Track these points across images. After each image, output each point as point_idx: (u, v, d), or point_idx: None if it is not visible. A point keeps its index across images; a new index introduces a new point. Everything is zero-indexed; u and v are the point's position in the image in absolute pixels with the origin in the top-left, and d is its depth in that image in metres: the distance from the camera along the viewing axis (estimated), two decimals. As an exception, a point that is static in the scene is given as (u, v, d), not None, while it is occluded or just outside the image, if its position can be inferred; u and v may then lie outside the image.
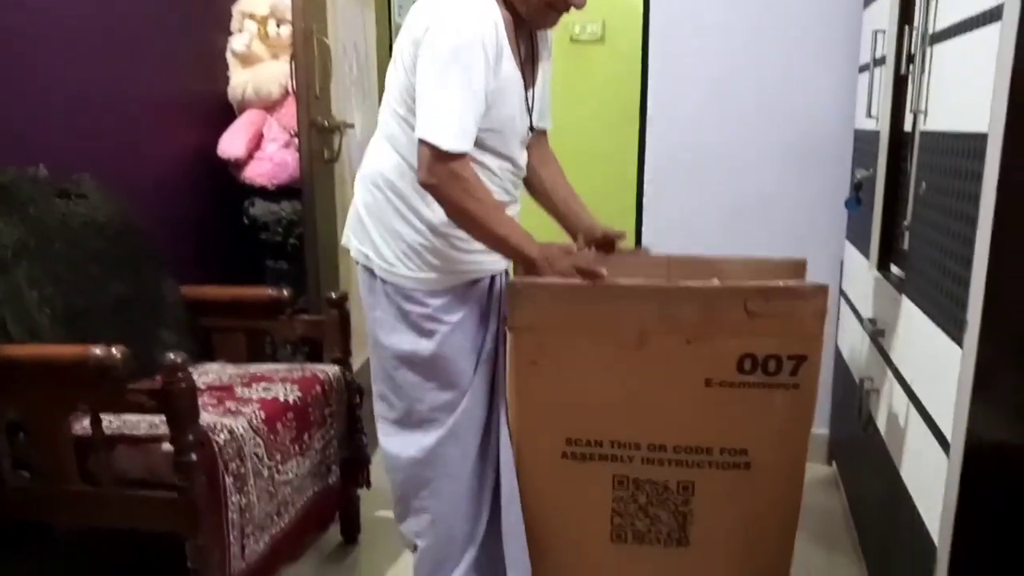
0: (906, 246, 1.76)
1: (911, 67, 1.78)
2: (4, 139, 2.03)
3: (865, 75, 2.28)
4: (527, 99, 1.78)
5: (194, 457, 1.63)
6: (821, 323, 1.67)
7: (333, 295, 2.30)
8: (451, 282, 1.78)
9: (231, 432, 1.76)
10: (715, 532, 1.85)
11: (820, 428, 2.75)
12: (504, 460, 1.85)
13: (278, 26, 2.84)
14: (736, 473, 1.78)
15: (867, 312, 2.15)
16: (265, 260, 2.99)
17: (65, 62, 2.24)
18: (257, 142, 2.87)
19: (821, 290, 1.65)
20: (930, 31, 1.63)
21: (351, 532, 2.37)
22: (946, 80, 1.52)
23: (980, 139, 1.20)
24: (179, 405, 1.62)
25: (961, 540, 1.29)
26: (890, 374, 1.80)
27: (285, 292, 2.32)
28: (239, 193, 2.92)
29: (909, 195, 1.74)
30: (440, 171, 1.60)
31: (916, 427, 1.54)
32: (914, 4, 1.75)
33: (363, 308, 1.86)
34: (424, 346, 1.78)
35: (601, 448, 1.82)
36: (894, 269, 1.93)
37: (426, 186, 1.63)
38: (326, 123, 2.76)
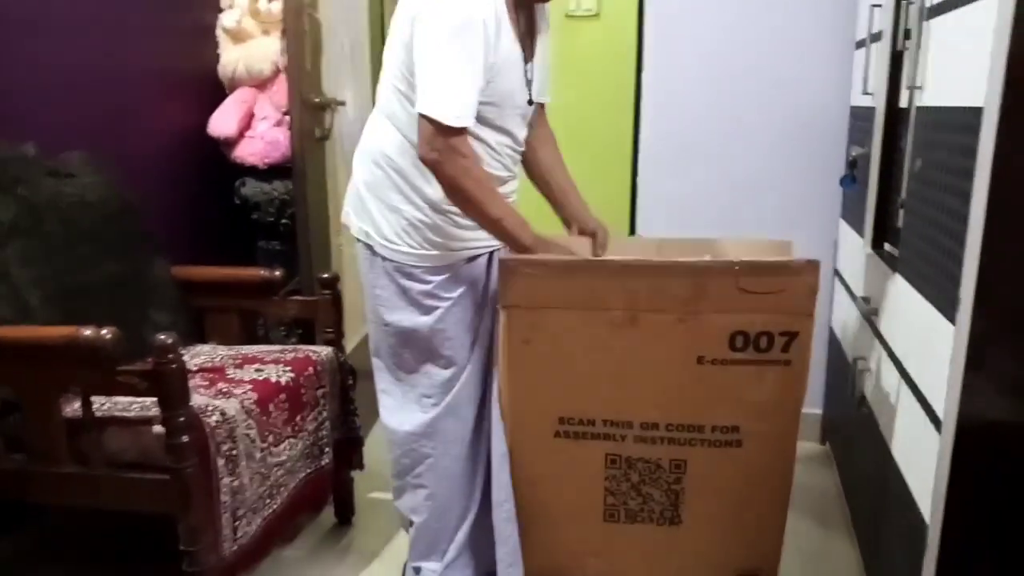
0: (900, 224, 1.75)
1: (907, 42, 1.76)
2: (-9, 118, 2.01)
3: (861, 51, 2.26)
4: (526, 72, 1.77)
5: (185, 439, 1.62)
6: (813, 299, 1.66)
7: (325, 275, 2.29)
8: (451, 259, 1.78)
9: (223, 414, 1.75)
10: (707, 510, 1.85)
11: (813, 407, 2.75)
12: (495, 439, 1.86)
13: (269, 2, 2.80)
14: (728, 450, 1.78)
15: (860, 291, 2.15)
16: (257, 240, 2.97)
17: (53, 39, 2.21)
18: (248, 121, 2.84)
19: (812, 266, 1.64)
20: (927, 5, 1.61)
21: (345, 514, 2.37)
22: (942, 55, 1.50)
23: (975, 113, 1.19)
24: (170, 387, 1.61)
25: (952, 518, 1.29)
26: (883, 352, 1.80)
27: (277, 273, 2.31)
28: (230, 172, 2.89)
29: (904, 172, 1.73)
30: (440, 146, 1.59)
31: (908, 405, 1.54)
32: (910, -22, 1.73)
33: (363, 285, 1.86)
34: (424, 322, 1.78)
35: (593, 427, 1.82)
36: (888, 247, 1.92)
37: (426, 161, 1.63)
38: (317, 100, 2.74)
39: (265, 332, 2.74)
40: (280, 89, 2.79)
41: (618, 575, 1.94)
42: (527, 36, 1.77)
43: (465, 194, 1.64)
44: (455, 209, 1.74)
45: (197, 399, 1.75)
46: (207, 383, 1.91)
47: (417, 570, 1.94)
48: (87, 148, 2.18)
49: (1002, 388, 1.25)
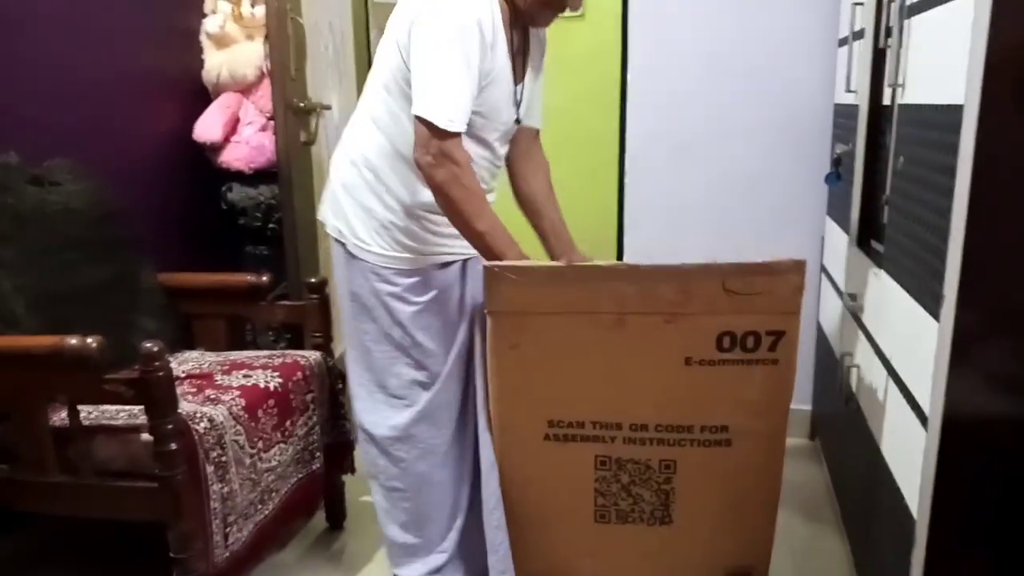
0: (885, 220, 1.76)
1: (889, 40, 1.77)
2: (-28, 127, 1.99)
3: (844, 49, 2.27)
4: (515, 92, 1.78)
5: (174, 446, 1.62)
6: (799, 299, 1.67)
7: (313, 280, 2.28)
8: (422, 263, 1.78)
9: (211, 420, 1.74)
10: (698, 509, 1.86)
11: (802, 403, 2.77)
12: (483, 448, 1.86)
13: (252, 6, 2.79)
14: (717, 450, 1.79)
15: (847, 287, 2.16)
16: (244, 246, 2.96)
17: (36, 45, 2.20)
18: (233, 126, 2.84)
19: (799, 266, 1.65)
20: (907, 3, 1.62)
21: (337, 518, 2.36)
22: (923, 52, 1.51)
23: (956, 111, 1.20)
24: (157, 394, 1.60)
25: (939, 512, 1.30)
26: (870, 349, 1.81)
27: (264, 278, 2.30)
28: (216, 178, 2.88)
29: (888, 169, 1.74)
30: (434, 150, 1.60)
31: (895, 400, 1.55)
32: (891, -24, 1.74)
33: (337, 282, 1.87)
34: (394, 324, 1.79)
35: (583, 429, 1.82)
36: (873, 244, 1.93)
37: (419, 165, 1.63)
38: (302, 105, 2.73)
39: (253, 337, 2.73)
40: (265, 94, 2.79)
41: (611, 573, 1.95)
42: (519, 56, 1.77)
43: (452, 202, 1.64)
44: (428, 214, 1.75)
45: (185, 406, 1.74)
46: (195, 390, 1.90)
47: None
48: (71, 155, 2.17)
49: (987, 383, 1.26)
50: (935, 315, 1.27)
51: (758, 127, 2.68)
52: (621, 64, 2.80)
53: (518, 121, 1.83)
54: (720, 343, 1.70)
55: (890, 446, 1.60)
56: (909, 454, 1.41)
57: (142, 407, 1.62)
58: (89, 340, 1.62)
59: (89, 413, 1.76)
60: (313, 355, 2.20)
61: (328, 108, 2.92)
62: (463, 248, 1.82)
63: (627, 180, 2.82)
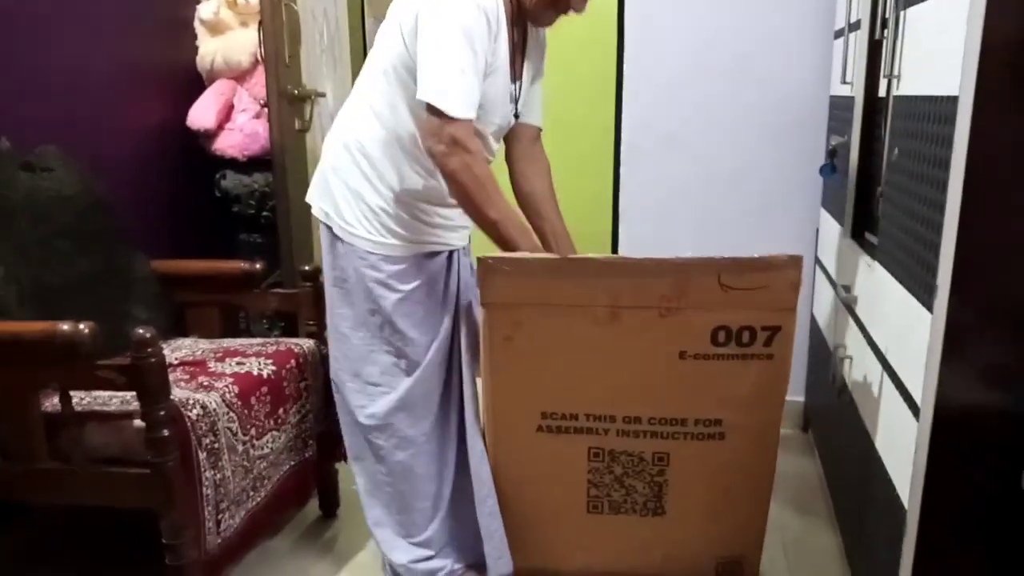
0: (879, 212, 1.76)
1: (885, 32, 1.76)
2: (-37, 111, 1.98)
3: (840, 41, 2.27)
4: (512, 89, 1.78)
5: (166, 433, 1.61)
6: (795, 294, 1.67)
7: (307, 268, 2.28)
8: (408, 251, 1.78)
9: (204, 407, 1.74)
10: (690, 501, 1.86)
11: (796, 396, 2.77)
12: (472, 437, 1.86)
13: (246, -7, 2.78)
14: (711, 443, 1.80)
15: (841, 279, 2.16)
16: (238, 233, 2.95)
17: (26, 30, 2.19)
18: (227, 113, 2.83)
19: (795, 261, 1.65)
20: (904, -5, 1.62)
21: (329, 506, 2.37)
22: (919, 44, 1.51)
23: (951, 102, 1.20)
24: (149, 381, 1.60)
25: (931, 503, 1.31)
26: (863, 340, 1.81)
27: (258, 265, 2.30)
28: (210, 165, 2.87)
29: (883, 161, 1.74)
30: (446, 138, 1.60)
31: (888, 392, 1.55)
32: (888, -32, 1.74)
33: (322, 265, 1.87)
34: (376, 310, 1.79)
35: (576, 421, 1.82)
36: (868, 236, 1.93)
37: (431, 153, 1.63)
38: (296, 92, 2.72)
39: (247, 325, 2.73)
40: (259, 81, 2.78)
41: (602, 566, 1.95)
42: (517, 54, 1.77)
43: (465, 190, 1.64)
44: (418, 202, 1.75)
45: (178, 393, 1.74)
46: (188, 377, 1.90)
47: (389, 561, 1.94)
48: (63, 142, 2.15)
49: (979, 375, 1.26)
50: (928, 307, 1.28)
51: (754, 119, 2.68)
52: (617, 56, 2.79)
53: (517, 116, 1.83)
54: (715, 338, 1.70)
55: (882, 437, 1.60)
56: (901, 445, 1.42)
57: (134, 393, 1.62)
58: (81, 326, 1.61)
59: (81, 399, 1.75)
60: (307, 343, 2.20)
61: (322, 95, 2.91)
62: (452, 238, 1.83)
63: (622, 171, 2.82)
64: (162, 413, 1.61)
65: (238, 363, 2.00)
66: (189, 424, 1.68)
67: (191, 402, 1.72)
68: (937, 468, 1.29)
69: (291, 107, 2.71)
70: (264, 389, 1.95)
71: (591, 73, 3.25)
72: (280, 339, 2.27)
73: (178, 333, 2.29)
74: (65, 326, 1.61)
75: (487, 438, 1.86)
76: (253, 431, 1.89)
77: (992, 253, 1.21)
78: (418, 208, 1.76)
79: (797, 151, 2.66)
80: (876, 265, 1.72)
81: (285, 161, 2.68)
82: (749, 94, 2.66)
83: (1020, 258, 1.21)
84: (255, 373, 1.97)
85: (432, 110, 1.59)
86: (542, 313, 1.74)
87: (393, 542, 1.91)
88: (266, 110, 2.73)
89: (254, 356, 2.05)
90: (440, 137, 1.60)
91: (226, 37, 2.82)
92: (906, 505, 1.36)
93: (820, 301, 2.59)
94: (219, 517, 1.76)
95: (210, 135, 2.81)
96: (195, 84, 2.86)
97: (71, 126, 2.32)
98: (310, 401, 2.15)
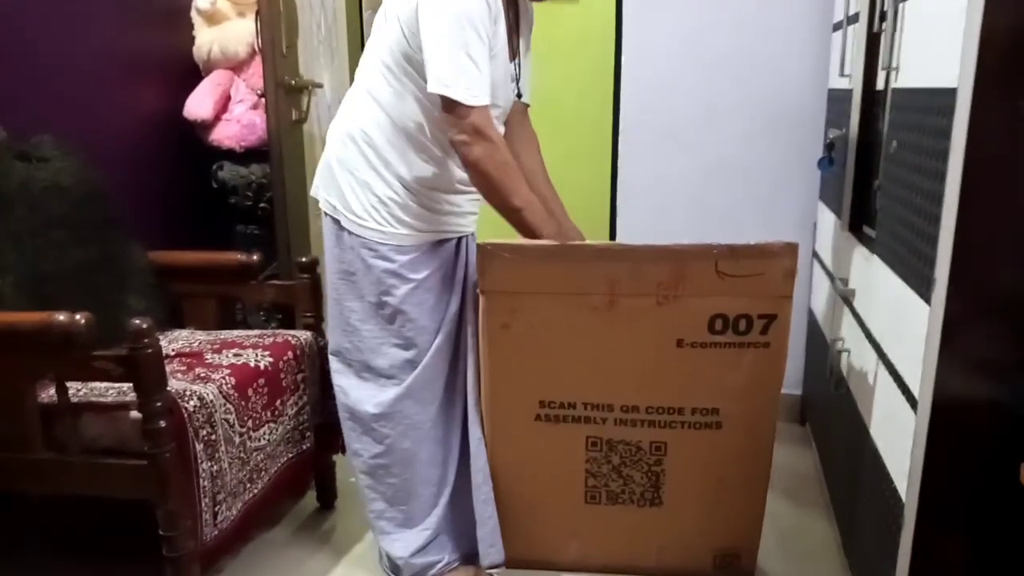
0: (877, 206, 1.76)
1: (884, 24, 1.76)
2: (-42, 101, 1.97)
3: (838, 33, 2.26)
4: (512, 68, 1.78)
5: (163, 424, 1.61)
6: (791, 282, 1.67)
7: (304, 260, 2.27)
8: (418, 239, 1.78)
9: (201, 399, 1.74)
10: (688, 491, 1.87)
11: (793, 388, 2.78)
12: (471, 423, 1.86)
13: (243, -17, 2.77)
14: (708, 432, 1.80)
15: (838, 272, 2.16)
16: (235, 225, 2.95)
17: (22, 19, 2.18)
18: (224, 103, 2.82)
19: (791, 249, 1.66)
20: (903, -13, 1.61)
21: (327, 498, 2.36)
22: (917, 36, 1.50)
23: (949, 94, 1.19)
24: (146, 372, 1.59)
25: (928, 496, 1.31)
26: (860, 333, 1.81)
27: (255, 257, 2.29)
28: (207, 156, 2.86)
29: (881, 154, 1.74)
30: (468, 128, 1.60)
31: (885, 385, 1.56)
32: (887, -40, 1.73)
33: (326, 259, 1.86)
34: (387, 301, 1.78)
35: (574, 410, 1.82)
36: (865, 229, 1.93)
37: (453, 144, 1.64)
38: (293, 83, 2.71)
39: (244, 317, 2.72)
40: (256, 71, 2.77)
41: (599, 557, 1.96)
42: (512, 32, 1.77)
43: (488, 179, 1.64)
44: (427, 190, 1.75)
45: (175, 384, 1.73)
46: (185, 368, 1.90)
47: (387, 553, 1.94)
48: (59, 132, 2.14)
49: (976, 367, 1.26)
50: (926, 299, 1.28)
51: (752, 111, 2.67)
52: (615, 49, 2.78)
53: (519, 96, 1.83)
54: (712, 325, 1.71)
55: (880, 430, 1.61)
56: (898, 438, 1.42)
57: (131, 385, 1.61)
58: (77, 317, 1.61)
59: (78, 390, 1.75)
60: (304, 335, 2.20)
61: (320, 86, 2.90)
62: (461, 225, 1.83)
63: (620, 164, 2.81)
64: (159, 404, 1.61)
65: (235, 355, 2.00)
66: (186, 415, 1.67)
67: (188, 393, 1.72)
68: (934, 460, 1.29)
69: (288, 98, 2.71)
70: (261, 381, 1.95)
71: (589, 66, 3.24)
72: (277, 331, 2.26)
73: (175, 325, 2.29)
74: (61, 317, 1.60)
75: (485, 427, 1.86)
76: (250, 423, 1.89)
77: (990, 245, 1.21)
78: (427, 196, 1.76)
79: (795, 144, 2.65)
80: (874, 258, 1.72)
81: (282, 152, 2.68)
82: (747, 87, 2.66)
83: (1018, 250, 1.21)
84: (252, 365, 1.97)
85: (448, 102, 1.59)
86: (540, 301, 1.75)
87: (393, 535, 1.91)
88: (263, 101, 2.72)
89: (251, 348, 2.05)
90: (461, 127, 1.60)
91: (223, 27, 2.81)
92: (903, 497, 1.36)
93: (817, 294, 2.59)
94: (216, 509, 1.76)
95: (207, 126, 2.81)
96: (192, 74, 2.85)
97: (67, 116, 2.31)
98: (307, 393, 2.15)
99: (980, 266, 1.22)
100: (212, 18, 2.80)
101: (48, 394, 1.72)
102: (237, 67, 2.83)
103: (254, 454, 1.91)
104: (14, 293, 1.83)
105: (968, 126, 1.16)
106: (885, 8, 1.76)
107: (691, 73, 2.69)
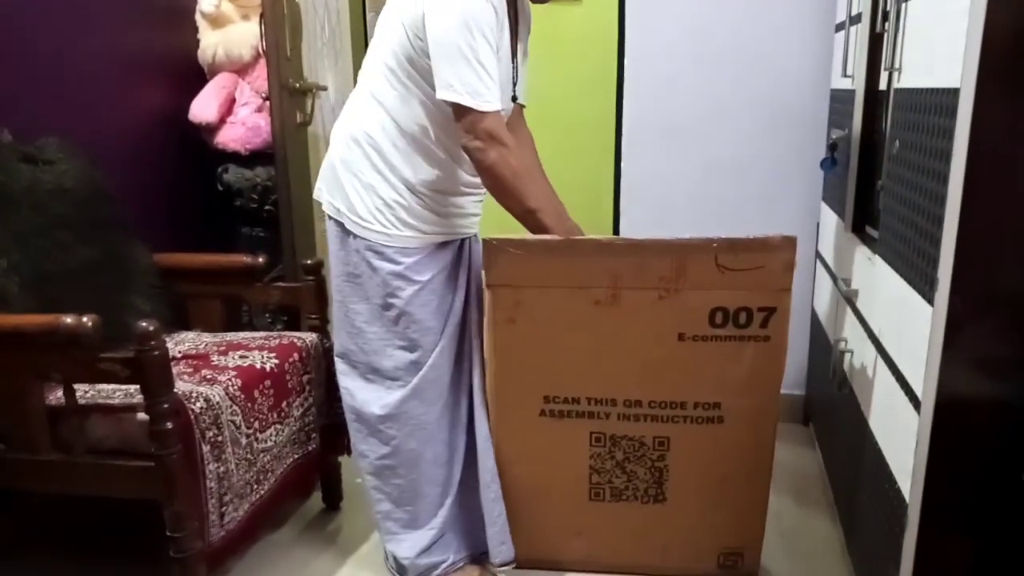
0: (880, 206, 1.77)
1: (886, 24, 1.76)
2: (-35, 105, 1.98)
3: (841, 34, 2.26)
4: (511, 70, 1.79)
5: (169, 425, 1.62)
6: (790, 275, 1.70)
7: (309, 262, 2.28)
8: (423, 241, 1.79)
9: (207, 400, 1.74)
10: (691, 487, 1.88)
11: (796, 389, 2.78)
12: (479, 422, 1.87)
13: (247, -14, 2.78)
14: (710, 427, 1.81)
15: (841, 273, 2.16)
16: (240, 227, 2.95)
17: (30, 23, 2.19)
18: (229, 106, 2.82)
19: (789, 241, 1.69)
20: (905, -13, 1.62)
21: (333, 499, 2.37)
22: (920, 36, 1.51)
23: (952, 94, 1.20)
24: (153, 373, 1.60)
25: (931, 496, 1.31)
26: (863, 334, 1.82)
27: (260, 259, 2.30)
28: (212, 159, 2.87)
29: (884, 154, 1.74)
30: (482, 134, 1.62)
31: (888, 385, 1.56)
32: (890, -40, 1.74)
33: (331, 262, 1.87)
34: (392, 303, 1.79)
35: (578, 405, 1.84)
36: (868, 230, 1.94)
37: (467, 150, 1.66)
38: (298, 85, 2.72)
39: (250, 319, 2.73)
40: (261, 74, 2.78)
41: (603, 556, 1.96)
42: (512, 35, 1.77)
43: (503, 182, 1.66)
44: (432, 192, 1.76)
45: (181, 386, 1.74)
46: (191, 370, 1.91)
47: (393, 554, 1.95)
48: (65, 134, 2.16)
49: (979, 367, 1.26)
50: (929, 300, 1.28)
51: (755, 112, 2.68)
52: (618, 48, 2.79)
53: (515, 99, 1.84)
54: (713, 319, 1.74)
55: (882, 430, 1.61)
56: (901, 438, 1.42)
57: (138, 386, 1.62)
58: (84, 319, 1.62)
59: (85, 392, 1.76)
60: (309, 336, 2.21)
61: (324, 88, 2.91)
62: (465, 226, 1.84)
63: (623, 164, 2.82)
64: (165, 406, 1.62)
65: (241, 356, 2.01)
66: (192, 417, 1.68)
67: (194, 395, 1.73)
68: (938, 461, 1.30)
69: (292, 100, 2.71)
70: (267, 382, 1.96)
71: (592, 66, 3.25)
72: (283, 332, 2.27)
73: (181, 327, 2.30)
74: (68, 319, 1.62)
75: (491, 422, 1.88)
76: (256, 424, 1.90)
77: (993, 246, 1.21)
78: (432, 199, 1.77)
79: (797, 145, 2.66)
80: (876, 258, 1.72)
81: (287, 154, 2.68)
82: (750, 87, 2.66)
83: (1020, 250, 1.21)
84: (258, 366, 1.98)
85: (460, 109, 1.60)
86: (544, 295, 1.78)
87: (400, 535, 1.92)
88: (268, 103, 2.73)
89: (257, 349, 2.06)
90: (475, 133, 1.61)
91: (227, 30, 2.81)
92: (906, 497, 1.36)
93: (821, 295, 2.59)
94: (222, 510, 1.77)
95: (212, 129, 2.81)
96: (197, 77, 2.86)
97: (73, 119, 2.32)
98: (313, 394, 2.16)
99: (983, 266, 1.22)
100: (216, 21, 2.81)
101: (55, 395, 1.73)
102: (241, 70, 2.84)
103: (260, 455, 1.92)
104: (21, 293, 1.85)
105: (971, 126, 1.16)
106: (887, 8, 1.76)
107: (693, 73, 2.69)
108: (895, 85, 1.68)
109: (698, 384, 1.79)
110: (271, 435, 1.96)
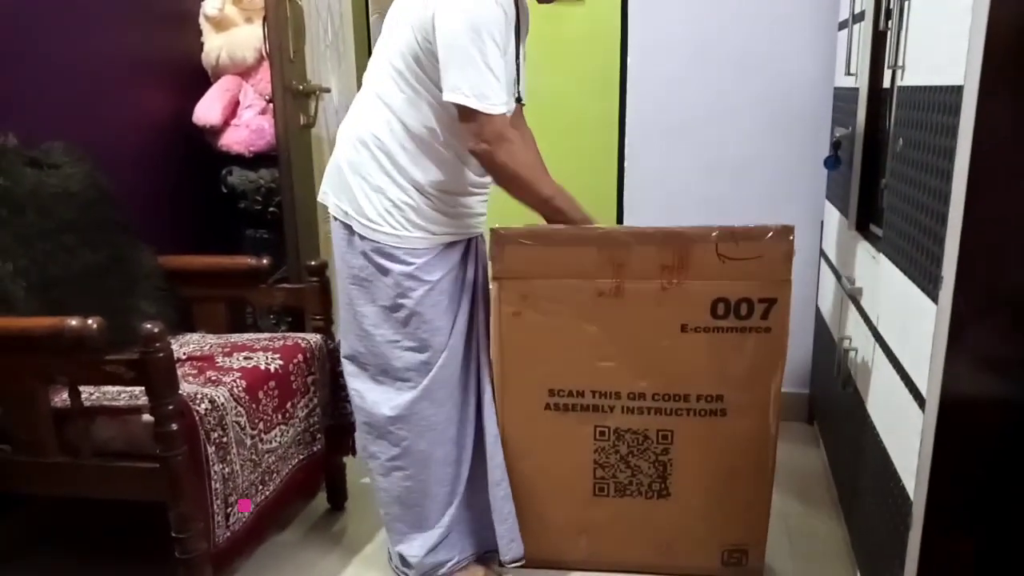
0: (884, 204, 1.77)
1: (890, 22, 1.76)
2: (-29, 109, 1.99)
3: (844, 32, 2.27)
4: (515, 69, 1.79)
5: (174, 427, 1.62)
6: (789, 265, 1.73)
7: (313, 263, 2.29)
8: (431, 242, 1.79)
9: (212, 401, 1.75)
10: (695, 481, 1.88)
11: (801, 387, 2.78)
12: (488, 420, 1.87)
13: (250, -11, 2.78)
14: (713, 420, 1.83)
15: (845, 271, 2.16)
16: (245, 229, 2.96)
17: (34, 26, 2.19)
18: (233, 109, 2.83)
19: (787, 231, 1.72)
20: (908, -15, 1.61)
21: (338, 500, 2.38)
22: (923, 34, 1.51)
23: (956, 92, 1.20)
24: (158, 375, 1.61)
25: (936, 494, 1.31)
26: (868, 332, 1.81)
27: (265, 261, 2.31)
28: (216, 161, 2.88)
29: (887, 153, 1.74)
30: (490, 136, 1.63)
31: (892, 384, 1.56)
32: (892, -42, 1.74)
33: (337, 264, 1.87)
34: (402, 303, 1.79)
35: (583, 398, 1.86)
36: (872, 228, 1.94)
37: (475, 153, 1.67)
38: (301, 88, 2.72)
39: (254, 320, 2.74)
40: (264, 77, 2.78)
41: (608, 554, 1.97)
42: (516, 34, 1.78)
43: (517, 179, 1.69)
44: (440, 193, 1.76)
45: (186, 387, 1.75)
46: (196, 371, 1.91)
47: (400, 554, 1.95)
48: (70, 138, 2.16)
49: (984, 365, 1.26)
50: (933, 297, 1.28)
51: (758, 111, 2.68)
52: (621, 48, 2.79)
53: (518, 99, 1.84)
54: (715, 310, 1.76)
55: (887, 428, 1.61)
56: (906, 436, 1.42)
57: (143, 388, 1.63)
58: (90, 321, 1.62)
59: (91, 394, 1.77)
60: (314, 337, 2.21)
61: (327, 91, 2.91)
62: (472, 226, 1.85)
63: (627, 164, 2.82)
64: (170, 408, 1.62)
65: (245, 358, 2.01)
66: (197, 418, 1.69)
67: (199, 396, 1.73)
68: (942, 459, 1.29)
69: (296, 103, 2.72)
70: (272, 383, 1.97)
71: (595, 66, 3.25)
72: (287, 334, 2.28)
73: (185, 328, 2.30)
74: (74, 321, 1.62)
75: (498, 415, 1.88)
76: (261, 425, 1.90)
77: (997, 243, 1.21)
78: (440, 200, 1.77)
79: (801, 143, 2.66)
80: (880, 256, 1.72)
81: (291, 157, 2.69)
82: (753, 86, 2.66)
83: (1025, 248, 1.21)
84: (263, 368, 1.98)
85: (466, 111, 1.61)
86: (550, 286, 1.80)
87: (407, 536, 1.92)
88: (271, 106, 2.73)
89: (261, 351, 2.06)
90: (483, 136, 1.63)
91: (231, 33, 2.82)
92: (911, 496, 1.36)
93: (824, 293, 2.59)
94: (228, 511, 1.77)
95: (216, 131, 2.82)
96: (201, 80, 2.86)
97: (77, 122, 2.32)
98: (318, 395, 2.16)
99: (987, 264, 1.22)
100: (220, 24, 2.81)
101: (61, 398, 1.73)
102: (245, 73, 2.84)
103: (265, 456, 1.92)
104: (26, 296, 1.85)
105: (974, 124, 1.16)
106: (891, 6, 1.76)
107: (696, 72, 2.69)
108: (898, 83, 1.67)
109: (701, 376, 1.81)
110: (276, 436, 1.96)
